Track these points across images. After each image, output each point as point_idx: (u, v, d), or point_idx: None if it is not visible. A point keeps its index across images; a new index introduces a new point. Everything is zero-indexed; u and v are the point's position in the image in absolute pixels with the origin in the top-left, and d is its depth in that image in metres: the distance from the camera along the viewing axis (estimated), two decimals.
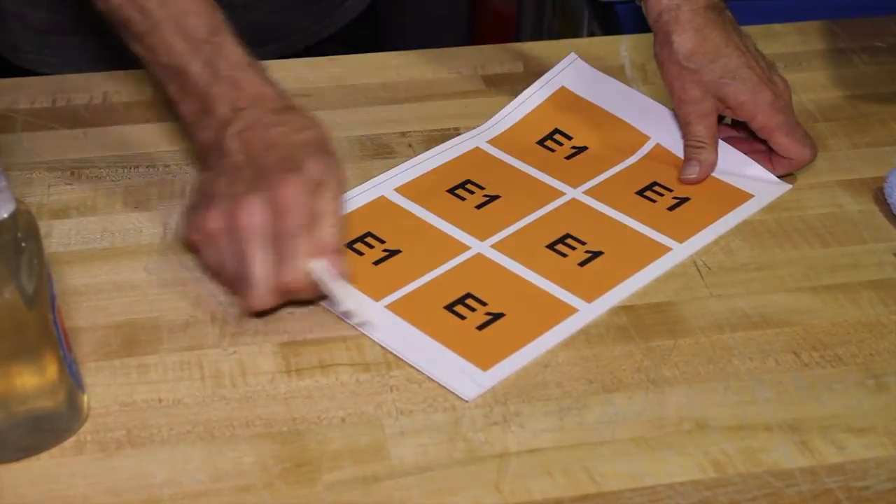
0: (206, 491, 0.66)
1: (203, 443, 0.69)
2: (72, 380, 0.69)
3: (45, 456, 0.68)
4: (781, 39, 1.08)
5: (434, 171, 0.91)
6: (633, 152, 0.93)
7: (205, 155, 0.80)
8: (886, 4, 1.13)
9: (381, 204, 0.87)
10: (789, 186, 0.89)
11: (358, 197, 0.87)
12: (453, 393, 0.72)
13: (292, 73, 1.01)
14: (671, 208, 0.87)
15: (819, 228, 0.86)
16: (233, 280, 0.76)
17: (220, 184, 0.76)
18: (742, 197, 0.88)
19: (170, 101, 0.83)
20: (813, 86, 1.01)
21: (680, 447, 0.69)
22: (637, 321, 0.77)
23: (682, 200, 0.88)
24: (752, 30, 1.08)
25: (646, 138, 0.93)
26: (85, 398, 0.70)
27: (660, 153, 0.92)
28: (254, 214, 0.74)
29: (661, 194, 0.88)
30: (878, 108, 0.99)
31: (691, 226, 0.85)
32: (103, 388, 0.72)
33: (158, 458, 0.68)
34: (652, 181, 0.90)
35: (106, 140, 0.93)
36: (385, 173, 0.90)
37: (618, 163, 0.92)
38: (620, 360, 0.75)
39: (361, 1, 1.14)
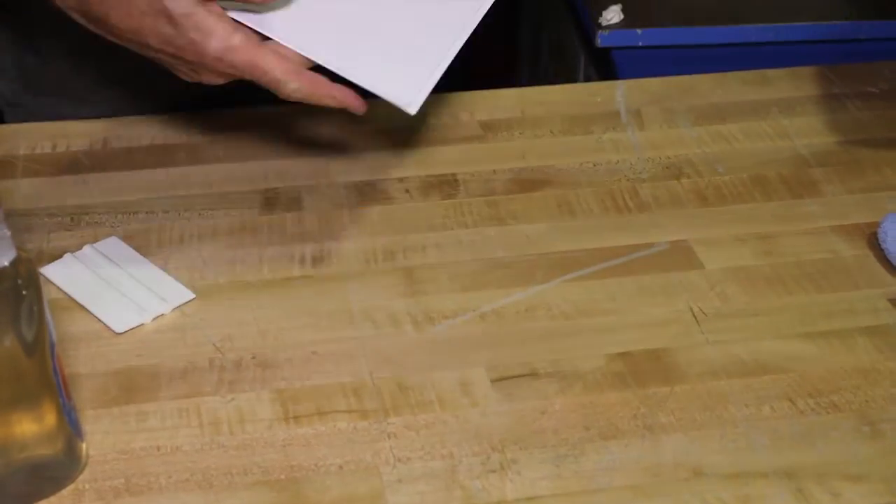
0: None
1: (201, 491, 0.69)
2: (70, 427, 0.69)
3: None
4: (775, 84, 1.08)
5: None
6: None
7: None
8: (879, 51, 1.14)
9: None
10: None
11: None
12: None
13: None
14: None
15: (814, 274, 0.86)
16: None
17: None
18: None
19: None
20: (807, 131, 1.02)
21: (676, 495, 0.69)
22: (633, 368, 0.78)
23: None
24: (745, 75, 1.10)
25: None
26: (83, 446, 0.71)
27: None
28: None
29: None
30: (871, 154, 0.99)
31: None
32: (102, 435, 0.72)
33: None
34: None
35: (105, 186, 0.93)
36: None
37: None
38: (617, 406, 0.75)
39: None
